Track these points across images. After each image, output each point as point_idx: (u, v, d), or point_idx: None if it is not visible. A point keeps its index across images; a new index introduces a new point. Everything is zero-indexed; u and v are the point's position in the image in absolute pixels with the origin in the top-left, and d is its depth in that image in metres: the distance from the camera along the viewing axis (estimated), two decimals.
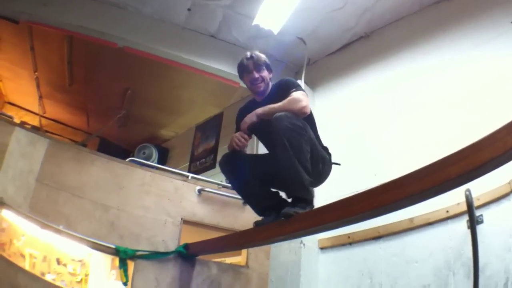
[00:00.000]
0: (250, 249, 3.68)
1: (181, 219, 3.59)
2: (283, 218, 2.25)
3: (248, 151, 2.85)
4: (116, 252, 3.13)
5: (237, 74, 2.75)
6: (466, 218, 2.65)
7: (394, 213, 1.95)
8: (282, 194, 2.61)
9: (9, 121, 3.30)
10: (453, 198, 2.67)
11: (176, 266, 3.35)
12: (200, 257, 3.47)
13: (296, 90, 2.46)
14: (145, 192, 3.56)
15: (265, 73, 2.63)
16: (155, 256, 3.28)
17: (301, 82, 4.28)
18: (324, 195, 3.08)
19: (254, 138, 3.25)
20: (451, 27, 3.56)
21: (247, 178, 2.55)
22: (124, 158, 4.00)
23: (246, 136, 2.50)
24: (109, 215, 3.32)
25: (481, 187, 2.51)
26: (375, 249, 3.27)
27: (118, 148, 7.08)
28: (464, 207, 2.60)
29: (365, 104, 4.04)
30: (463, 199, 2.55)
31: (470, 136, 1.52)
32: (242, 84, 2.88)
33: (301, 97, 2.40)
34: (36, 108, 6.83)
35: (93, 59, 5.39)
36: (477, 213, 2.59)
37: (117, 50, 4.48)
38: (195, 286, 3.36)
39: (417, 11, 3.93)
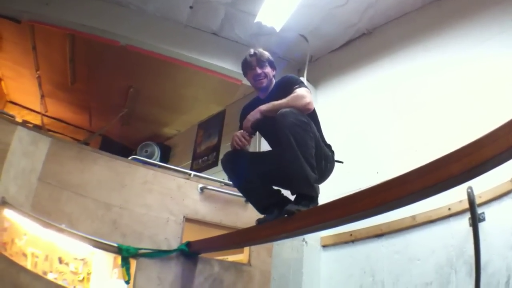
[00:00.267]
0: (253, 247, 3.68)
1: (184, 217, 3.59)
2: (286, 215, 2.25)
3: (251, 148, 2.84)
4: (118, 250, 3.14)
5: (239, 71, 2.75)
6: (468, 215, 2.64)
7: (396, 210, 1.94)
8: (284, 192, 2.60)
9: (11, 120, 3.30)
10: (455, 196, 2.66)
11: (178, 264, 3.35)
12: (203, 255, 3.46)
13: (300, 86, 2.43)
14: (148, 190, 3.56)
15: (268, 70, 2.62)
16: (157, 254, 3.28)
17: (303, 80, 4.26)
18: (326, 193, 3.07)
19: (257, 135, 3.24)
20: (452, 24, 3.55)
21: (249, 176, 2.53)
22: (127, 156, 4.00)
23: (247, 136, 2.48)
24: (111, 214, 3.32)
25: (483, 184, 2.49)
26: (377, 247, 3.26)
27: (120, 146, 7.05)
28: (466, 205, 2.60)
29: (367, 102, 4.03)
30: (465, 196, 2.55)
31: (472, 131, 1.52)
32: (245, 82, 2.89)
33: (305, 93, 2.38)
34: (38, 107, 6.85)
35: (95, 58, 5.38)
36: (479, 210, 2.58)
37: (120, 48, 4.47)
38: (198, 284, 3.36)
39: (420, 7, 3.92)
